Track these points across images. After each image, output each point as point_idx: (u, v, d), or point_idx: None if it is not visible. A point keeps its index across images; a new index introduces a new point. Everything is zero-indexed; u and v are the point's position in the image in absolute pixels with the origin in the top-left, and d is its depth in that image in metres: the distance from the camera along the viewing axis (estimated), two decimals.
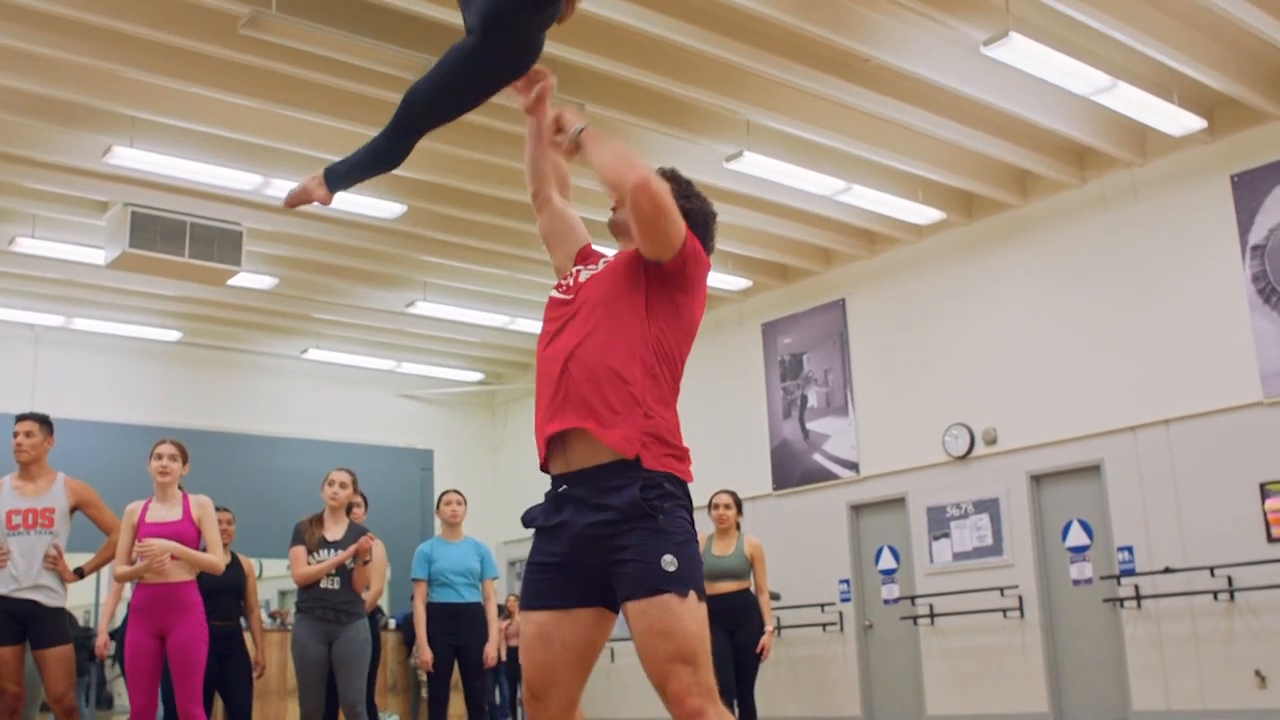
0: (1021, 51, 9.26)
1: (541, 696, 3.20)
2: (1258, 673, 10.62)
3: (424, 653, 7.71)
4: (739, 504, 8.41)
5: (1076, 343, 12.17)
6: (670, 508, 3.11)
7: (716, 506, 8.36)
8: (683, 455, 3.24)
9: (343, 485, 7.19)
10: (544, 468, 3.34)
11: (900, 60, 9.63)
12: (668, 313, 3.31)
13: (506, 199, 12.13)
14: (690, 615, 3.04)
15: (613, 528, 3.09)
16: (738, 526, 8.54)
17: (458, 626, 7.77)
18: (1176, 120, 10.79)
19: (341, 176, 3.96)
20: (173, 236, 11.58)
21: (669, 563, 3.04)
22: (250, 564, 8.11)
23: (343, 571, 7.05)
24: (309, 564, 7.00)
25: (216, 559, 6.33)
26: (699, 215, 3.53)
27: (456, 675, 7.90)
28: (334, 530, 7.13)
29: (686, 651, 3.01)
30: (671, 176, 3.52)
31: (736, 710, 7.59)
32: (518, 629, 12.69)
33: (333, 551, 7.03)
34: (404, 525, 16.52)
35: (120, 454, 12.62)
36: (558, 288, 3.50)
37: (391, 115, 3.95)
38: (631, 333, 3.23)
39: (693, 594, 3.06)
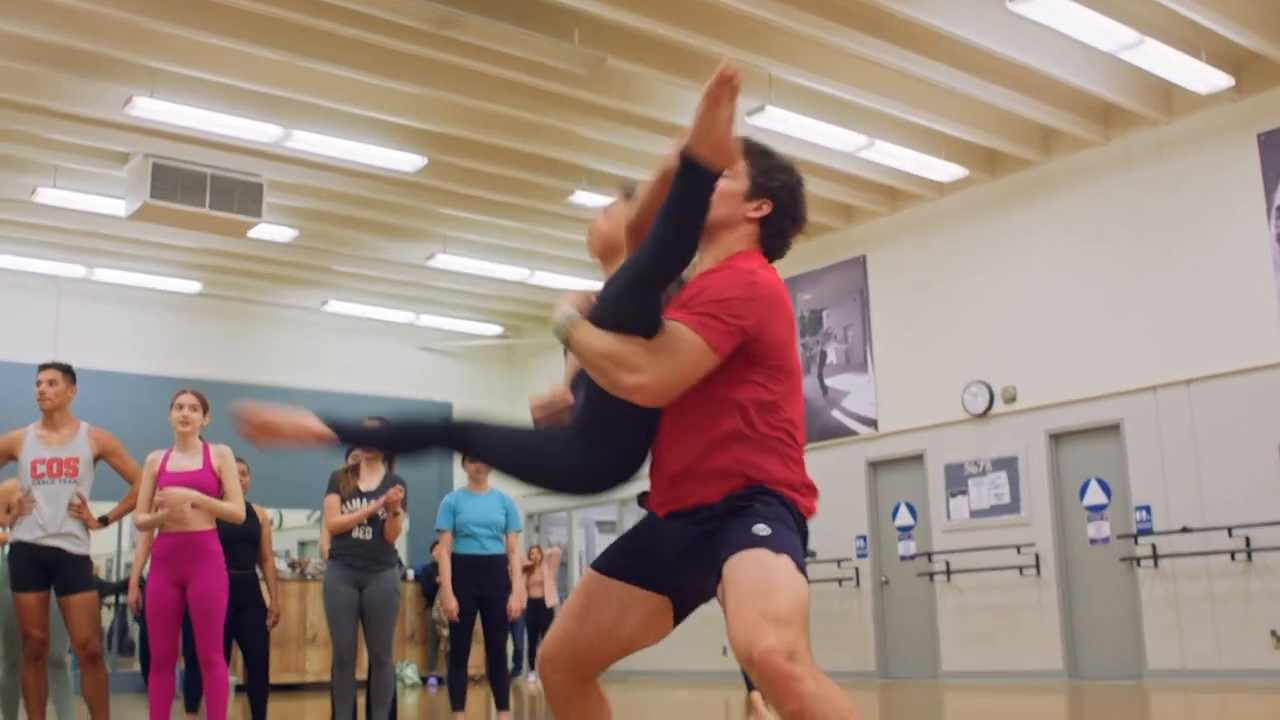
0: (1048, 7, 9.18)
1: (553, 661, 3.08)
2: (1273, 633, 10.64)
3: (449, 602, 7.76)
4: None
5: (1098, 301, 12.11)
6: (767, 499, 2.87)
7: None
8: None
9: None
10: None
11: (926, 15, 9.55)
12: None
13: (527, 152, 12.10)
14: (786, 574, 2.71)
15: (709, 528, 2.88)
16: None
17: (481, 578, 7.82)
18: (1203, 77, 10.69)
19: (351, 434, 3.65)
20: (193, 188, 11.59)
21: (761, 529, 2.78)
22: (265, 514, 8.17)
23: (375, 522, 7.12)
24: (342, 513, 7.08)
25: (236, 508, 6.37)
26: (784, 192, 3.09)
27: (477, 627, 7.96)
28: (369, 480, 7.19)
29: (780, 610, 2.63)
30: (748, 151, 3.09)
31: None
32: (539, 579, 12.78)
33: (366, 501, 7.10)
34: (423, 477, 16.56)
35: (141, 405, 12.69)
36: None
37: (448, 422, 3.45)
38: None
39: (788, 558, 2.74)
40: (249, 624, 7.76)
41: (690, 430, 2.92)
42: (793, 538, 2.85)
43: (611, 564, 3.09)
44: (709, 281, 2.96)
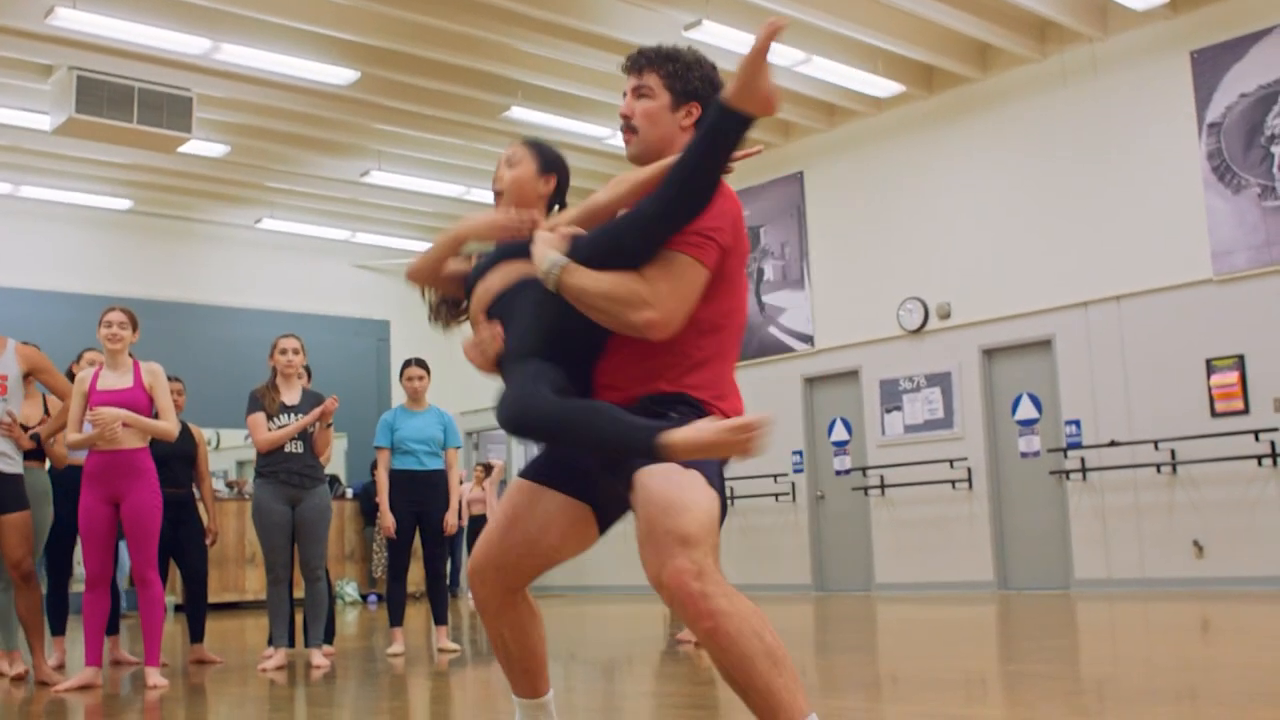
0: None
1: (480, 573, 3.05)
2: (1195, 543, 10.92)
3: (385, 518, 7.78)
4: None
5: (1032, 218, 12.22)
6: (685, 410, 2.81)
7: None
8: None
9: (295, 351, 7.17)
10: None
11: None
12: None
13: (462, 66, 11.94)
14: (698, 490, 2.66)
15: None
16: None
17: (419, 494, 7.83)
18: None
19: None
20: (120, 102, 11.34)
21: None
22: (201, 433, 8.12)
23: (305, 435, 7.08)
24: (270, 429, 7.01)
25: (169, 426, 6.31)
26: (708, 89, 3.04)
27: (417, 544, 7.99)
28: (290, 396, 7.13)
29: (689, 528, 2.59)
30: (653, 60, 3.02)
31: None
32: (479, 496, 12.81)
33: (293, 416, 7.03)
34: (360, 396, 16.55)
35: (69, 323, 12.52)
36: None
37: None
38: None
39: (699, 474, 2.68)
40: (187, 543, 7.75)
41: (628, 341, 2.90)
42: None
43: (537, 471, 3.08)
44: None
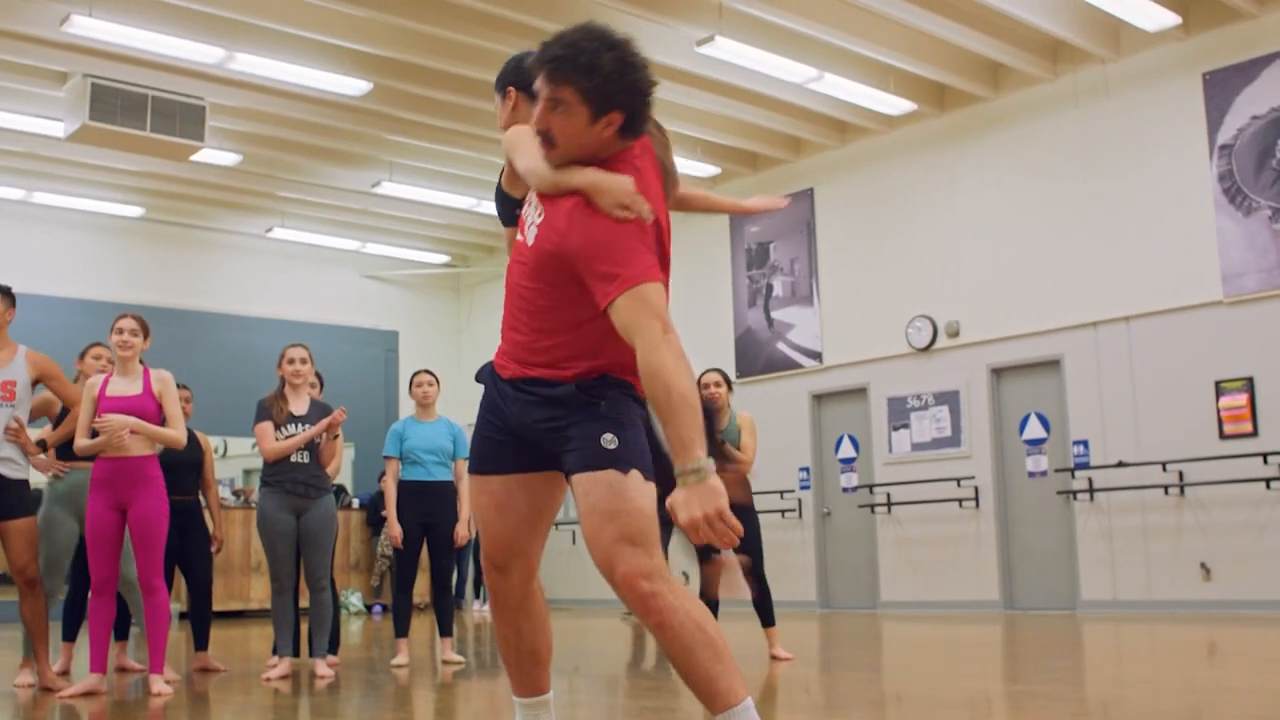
0: None
1: (503, 567, 3.16)
2: (1203, 565, 10.88)
3: (393, 528, 7.79)
4: (728, 382, 8.33)
5: (1042, 238, 12.22)
6: (614, 395, 2.97)
7: (706, 386, 8.27)
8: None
9: (303, 361, 7.17)
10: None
11: None
12: None
13: (474, 78, 11.96)
14: (636, 492, 2.86)
15: (556, 421, 2.99)
16: (728, 405, 8.45)
17: (427, 504, 7.83)
18: (1151, 15, 10.73)
19: None
20: (134, 110, 11.38)
21: (609, 440, 2.90)
22: (208, 441, 8.13)
23: (311, 446, 7.08)
24: (278, 439, 7.02)
25: (177, 434, 6.32)
26: (623, 90, 2.85)
27: (424, 555, 7.98)
28: (298, 406, 7.13)
29: (633, 531, 2.82)
30: (561, 70, 2.84)
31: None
32: None
33: (301, 426, 7.04)
34: (369, 406, 16.56)
35: (80, 330, 12.46)
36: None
37: None
38: None
39: (636, 472, 2.88)
40: (192, 551, 7.76)
41: (561, 307, 2.96)
42: (639, 440, 2.95)
43: (485, 462, 3.17)
44: (602, 227, 2.85)
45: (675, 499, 2.71)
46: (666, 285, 2.91)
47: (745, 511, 7.49)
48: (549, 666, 3.26)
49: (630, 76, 2.84)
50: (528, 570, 3.18)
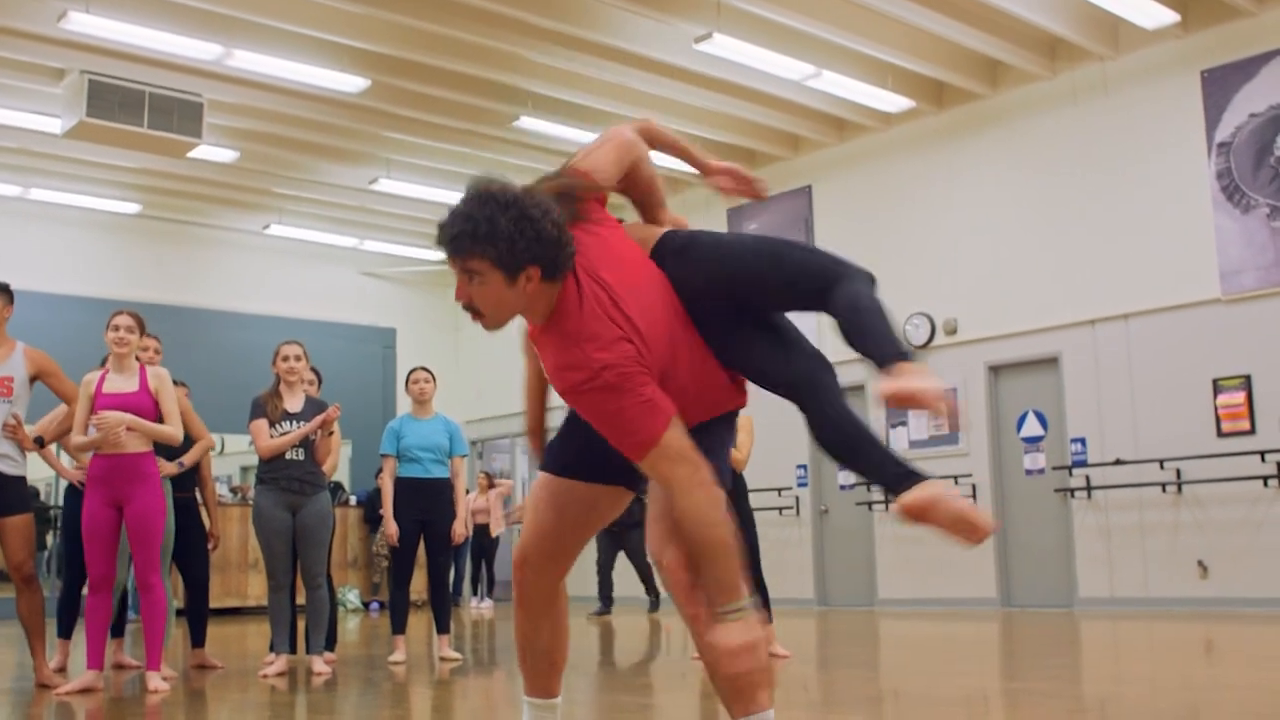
0: None
1: (539, 566, 3.15)
2: (1200, 563, 10.89)
3: (389, 526, 7.78)
4: None
5: (1040, 235, 12.22)
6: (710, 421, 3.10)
7: None
8: None
9: (297, 358, 7.16)
10: None
11: None
12: None
13: (472, 75, 11.96)
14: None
15: None
16: None
17: (424, 502, 7.82)
18: (1149, 13, 10.73)
19: None
20: (131, 106, 11.37)
21: None
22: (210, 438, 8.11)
23: (306, 443, 7.07)
24: (273, 436, 7.01)
25: (173, 430, 6.32)
26: (533, 245, 2.77)
27: (421, 552, 7.97)
28: (293, 403, 7.12)
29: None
30: (475, 244, 2.77)
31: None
32: (483, 506, 12.76)
33: (296, 423, 7.03)
34: (366, 404, 16.56)
35: (77, 326, 12.54)
36: None
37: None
38: None
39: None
40: (189, 548, 7.74)
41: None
42: (711, 451, 2.97)
43: (564, 466, 3.16)
44: (589, 403, 2.84)
45: (717, 635, 2.81)
46: (683, 389, 2.92)
47: (741, 509, 7.49)
48: (562, 672, 3.26)
49: (532, 231, 2.77)
50: (559, 572, 3.19)
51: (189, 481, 7.78)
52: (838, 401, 3.06)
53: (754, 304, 3.11)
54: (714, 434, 3.05)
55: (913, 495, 2.82)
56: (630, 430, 2.80)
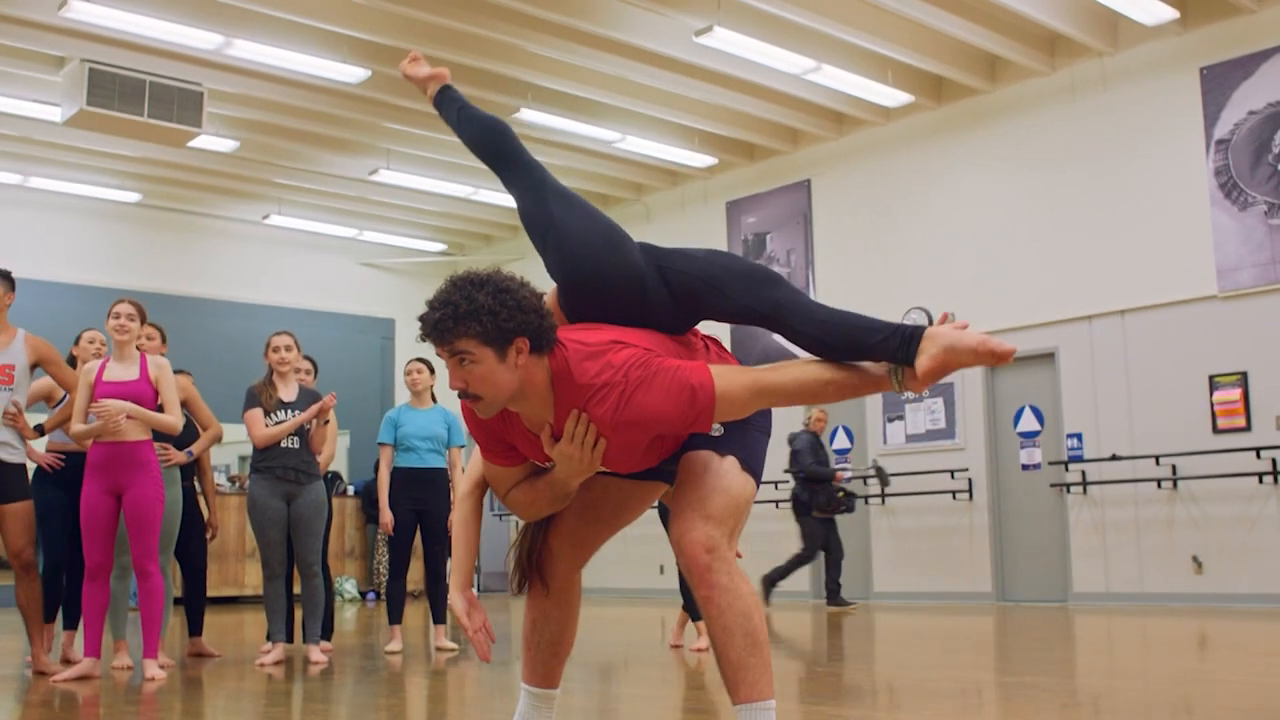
0: None
1: (559, 552, 3.16)
2: (1195, 559, 10.93)
3: (385, 515, 7.81)
4: None
5: (1038, 230, 12.24)
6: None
7: None
8: None
9: (288, 348, 7.16)
10: None
11: None
12: None
13: (472, 67, 11.96)
14: (728, 474, 2.95)
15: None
16: None
17: (421, 491, 7.86)
18: (1149, 9, 10.74)
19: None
20: (131, 95, 11.37)
21: (715, 429, 2.97)
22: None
23: (301, 432, 7.09)
24: (267, 425, 7.03)
25: (172, 419, 6.33)
26: (517, 319, 2.81)
27: (417, 542, 8.00)
28: (287, 392, 7.14)
29: (711, 506, 2.90)
30: (459, 328, 2.82)
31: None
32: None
33: (290, 412, 7.05)
34: (364, 394, 16.58)
35: (76, 315, 12.49)
36: None
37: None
38: None
39: (734, 459, 2.97)
40: (187, 536, 7.76)
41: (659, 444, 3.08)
42: (750, 442, 3.05)
43: (607, 461, 3.10)
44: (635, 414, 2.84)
45: None
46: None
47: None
48: (564, 663, 3.26)
49: (512, 300, 2.80)
50: (578, 562, 3.20)
51: (188, 470, 7.80)
52: (808, 311, 3.10)
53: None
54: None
55: (924, 361, 3.00)
56: (686, 406, 2.82)
